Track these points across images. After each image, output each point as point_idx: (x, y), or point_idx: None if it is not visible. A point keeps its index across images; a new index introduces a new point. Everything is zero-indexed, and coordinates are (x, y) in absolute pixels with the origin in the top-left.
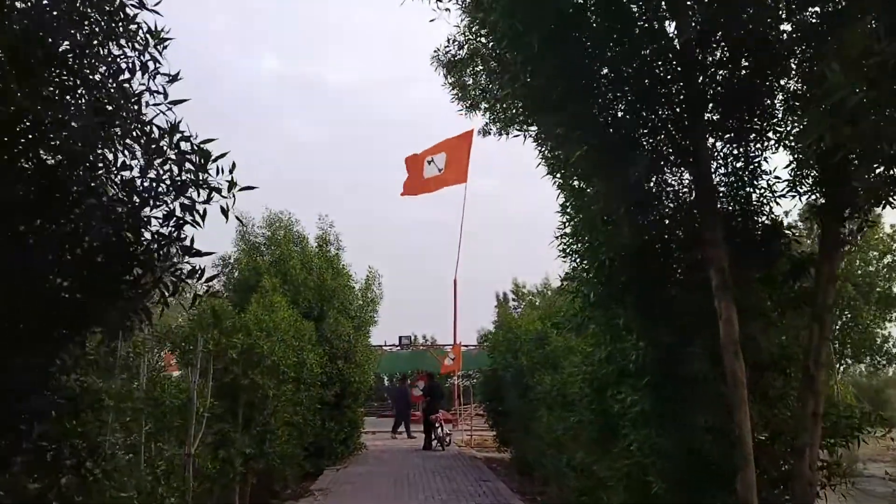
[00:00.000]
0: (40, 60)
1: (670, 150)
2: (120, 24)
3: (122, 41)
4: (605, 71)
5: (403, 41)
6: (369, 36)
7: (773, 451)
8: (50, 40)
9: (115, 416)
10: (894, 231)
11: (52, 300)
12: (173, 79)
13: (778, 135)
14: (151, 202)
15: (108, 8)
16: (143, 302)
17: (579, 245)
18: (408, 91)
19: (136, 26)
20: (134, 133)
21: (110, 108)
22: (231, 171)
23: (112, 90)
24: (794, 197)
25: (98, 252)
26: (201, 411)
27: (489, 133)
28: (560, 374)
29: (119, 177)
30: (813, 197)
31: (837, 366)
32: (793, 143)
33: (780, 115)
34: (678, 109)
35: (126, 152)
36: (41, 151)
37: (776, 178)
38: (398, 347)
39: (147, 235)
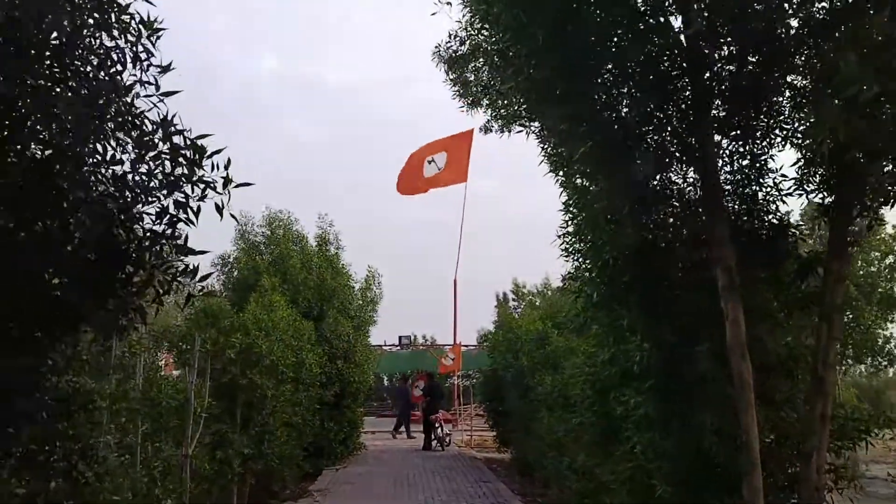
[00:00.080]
0: (27, 50)
1: (676, 147)
2: (112, 13)
3: (115, 31)
4: (611, 65)
5: (403, 41)
6: (369, 36)
7: (780, 455)
8: (37, 31)
9: (110, 417)
10: None
11: (42, 299)
12: (165, 69)
13: (785, 132)
14: (143, 198)
15: None
16: (136, 301)
17: (582, 244)
18: (408, 91)
19: (128, 16)
20: (126, 126)
21: (101, 100)
22: (227, 168)
23: (103, 82)
24: (801, 195)
25: (89, 249)
26: (199, 411)
27: (491, 130)
28: (561, 374)
29: (110, 171)
30: (820, 195)
31: (839, 367)
32: (800, 141)
33: (787, 112)
34: (684, 105)
35: (117, 146)
36: (31, 144)
37: (783, 176)
38: (398, 347)
39: (140, 233)
